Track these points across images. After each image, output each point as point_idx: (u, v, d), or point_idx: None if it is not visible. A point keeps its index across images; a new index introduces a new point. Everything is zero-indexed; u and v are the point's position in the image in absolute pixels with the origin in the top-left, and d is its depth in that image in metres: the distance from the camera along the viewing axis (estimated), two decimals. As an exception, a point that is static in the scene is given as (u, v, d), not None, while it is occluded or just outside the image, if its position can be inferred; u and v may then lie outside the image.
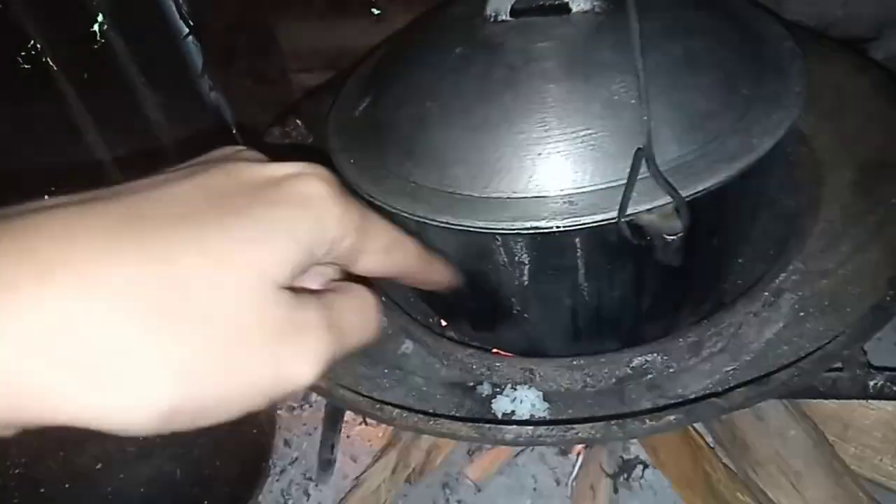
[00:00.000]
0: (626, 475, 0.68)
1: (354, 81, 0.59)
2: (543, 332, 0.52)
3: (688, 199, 0.40)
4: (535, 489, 0.71)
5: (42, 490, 0.62)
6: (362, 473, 0.70)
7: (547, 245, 0.44)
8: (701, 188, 0.41)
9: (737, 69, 0.46)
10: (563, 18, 0.48)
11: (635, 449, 0.70)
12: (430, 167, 0.46)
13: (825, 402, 0.67)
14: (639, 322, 0.50)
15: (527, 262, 0.46)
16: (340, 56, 1.08)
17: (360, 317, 0.26)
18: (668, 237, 0.39)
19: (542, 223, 0.42)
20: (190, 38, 1.09)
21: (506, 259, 0.46)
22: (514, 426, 0.40)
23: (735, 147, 0.43)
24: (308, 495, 0.75)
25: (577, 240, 0.44)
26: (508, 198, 0.44)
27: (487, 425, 0.40)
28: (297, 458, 0.79)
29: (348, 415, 0.77)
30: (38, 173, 0.86)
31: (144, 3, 1.02)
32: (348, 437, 0.78)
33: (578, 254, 0.45)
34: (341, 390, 0.49)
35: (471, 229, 0.44)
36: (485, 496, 0.72)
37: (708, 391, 0.45)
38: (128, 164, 1.01)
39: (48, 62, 0.88)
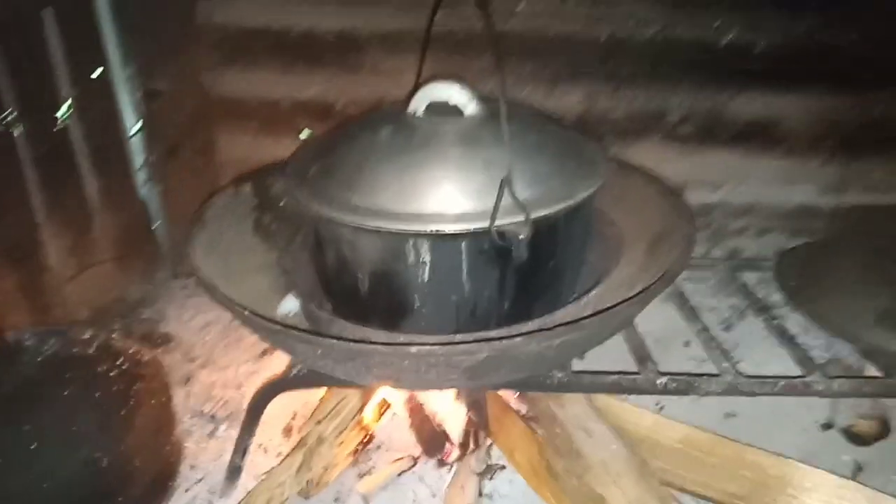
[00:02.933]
0: (490, 476, 0.84)
1: (304, 148, 0.80)
2: (434, 323, 0.70)
3: (533, 218, 0.63)
4: (414, 500, 0.83)
5: (-27, 460, 0.68)
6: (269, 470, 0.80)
7: (442, 247, 0.65)
8: (542, 213, 0.64)
9: (566, 155, 0.73)
10: (459, 117, 0.73)
11: (497, 457, 0.86)
12: (365, 194, 0.67)
13: (639, 427, 0.87)
14: (501, 313, 0.70)
15: (428, 262, 0.66)
16: (267, 168, 1.29)
17: None
18: (520, 237, 0.61)
19: (442, 227, 0.63)
20: (137, 136, 1.26)
21: (413, 258, 0.66)
22: (416, 346, 0.57)
23: (563, 195, 0.68)
24: (212, 506, 0.83)
25: (463, 244, 0.65)
26: (419, 213, 0.65)
27: (396, 347, 0.57)
28: (202, 479, 0.85)
29: (254, 443, 0.87)
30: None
31: (104, 100, 1.20)
32: (252, 460, 0.87)
33: (463, 256, 0.66)
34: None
35: (392, 231, 0.64)
36: (371, 506, 0.83)
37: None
38: (60, 233, 1.12)
39: (13, 132, 1.02)
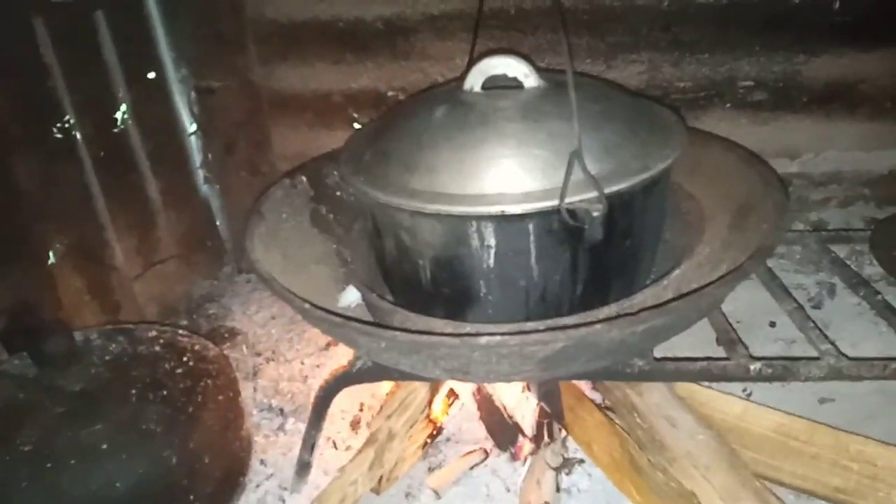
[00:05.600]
0: (567, 470, 0.79)
1: (358, 134, 0.77)
2: (502, 310, 0.66)
3: (607, 193, 0.58)
4: (487, 495, 0.80)
5: (48, 466, 0.68)
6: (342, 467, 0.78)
7: (508, 229, 0.61)
8: (616, 188, 0.59)
9: (638, 124, 0.67)
10: (519, 91, 0.68)
11: (573, 450, 0.81)
12: (423, 176, 0.64)
13: (727, 415, 0.81)
14: (574, 297, 0.65)
15: (493, 245, 0.62)
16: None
17: None
18: (593, 214, 0.57)
19: (506, 208, 0.59)
20: (194, 135, 1.27)
21: (477, 243, 0.62)
22: (486, 337, 0.53)
23: (636, 168, 0.62)
24: (283, 501, 0.81)
25: (530, 225, 0.61)
26: (482, 194, 0.61)
27: (464, 338, 0.53)
28: (272, 474, 0.85)
29: (322, 437, 0.86)
30: (48, 226, 0.98)
31: (160, 101, 1.21)
32: (321, 454, 0.86)
33: (531, 238, 0.61)
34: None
35: (453, 214, 0.60)
36: (443, 502, 0.80)
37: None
38: (125, 234, 1.13)
39: (76, 136, 1.03)
